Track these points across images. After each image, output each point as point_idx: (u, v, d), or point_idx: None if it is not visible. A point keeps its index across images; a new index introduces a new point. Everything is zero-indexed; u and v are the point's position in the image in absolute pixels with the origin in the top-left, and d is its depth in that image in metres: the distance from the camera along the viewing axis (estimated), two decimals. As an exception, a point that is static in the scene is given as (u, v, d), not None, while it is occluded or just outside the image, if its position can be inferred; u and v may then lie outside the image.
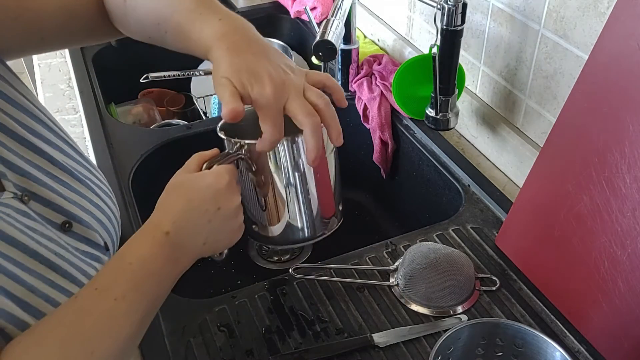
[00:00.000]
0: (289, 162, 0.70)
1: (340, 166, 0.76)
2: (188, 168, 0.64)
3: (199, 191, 0.62)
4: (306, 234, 0.76)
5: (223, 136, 0.70)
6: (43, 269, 0.57)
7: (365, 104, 1.18)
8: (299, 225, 0.75)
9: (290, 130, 0.64)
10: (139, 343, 0.60)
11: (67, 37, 0.75)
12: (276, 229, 0.75)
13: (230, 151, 0.68)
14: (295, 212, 0.74)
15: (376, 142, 1.18)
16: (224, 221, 0.63)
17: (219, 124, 0.71)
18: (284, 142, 0.68)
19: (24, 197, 0.59)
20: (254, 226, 0.75)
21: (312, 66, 1.47)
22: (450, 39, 0.92)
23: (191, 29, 0.65)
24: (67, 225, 0.63)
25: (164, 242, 0.59)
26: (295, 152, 0.69)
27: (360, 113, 1.20)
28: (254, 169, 0.69)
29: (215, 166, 0.64)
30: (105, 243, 0.67)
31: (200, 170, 0.64)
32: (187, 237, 0.61)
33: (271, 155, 0.69)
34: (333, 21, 0.93)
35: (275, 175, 0.70)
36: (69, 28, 0.73)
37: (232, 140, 0.68)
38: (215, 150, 0.67)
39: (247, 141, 0.67)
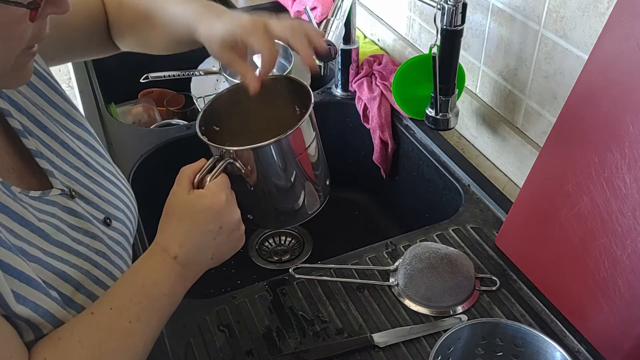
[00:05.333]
0: (276, 160, 0.73)
1: (324, 151, 0.80)
2: (181, 187, 0.65)
3: (199, 213, 0.63)
4: (296, 217, 0.80)
5: (207, 141, 0.71)
6: (89, 267, 0.61)
7: (365, 104, 1.18)
8: (289, 210, 0.79)
9: (273, 134, 0.69)
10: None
11: (87, 48, 0.82)
12: (269, 216, 0.79)
13: (216, 156, 0.69)
14: (284, 199, 0.78)
15: (376, 142, 1.18)
16: (228, 235, 0.65)
17: (197, 125, 0.73)
18: (271, 146, 0.70)
19: (72, 192, 0.63)
20: (248, 216, 0.76)
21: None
22: (450, 39, 0.92)
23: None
24: (108, 220, 0.67)
25: (173, 265, 0.62)
26: (279, 151, 0.72)
27: (360, 113, 1.20)
28: (243, 171, 0.71)
29: (207, 183, 0.65)
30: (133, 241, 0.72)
31: (193, 185, 0.65)
32: (195, 257, 0.63)
33: (257, 156, 0.71)
34: (333, 21, 0.93)
35: (263, 171, 0.73)
36: (92, 39, 0.80)
37: (220, 147, 0.69)
38: (202, 162, 0.68)
39: (233, 148, 0.69)
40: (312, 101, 0.74)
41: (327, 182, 0.83)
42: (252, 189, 0.71)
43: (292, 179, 0.76)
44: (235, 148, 0.69)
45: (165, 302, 0.62)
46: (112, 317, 0.58)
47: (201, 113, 0.74)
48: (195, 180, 0.65)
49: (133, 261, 0.72)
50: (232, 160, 0.69)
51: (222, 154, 0.69)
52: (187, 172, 0.66)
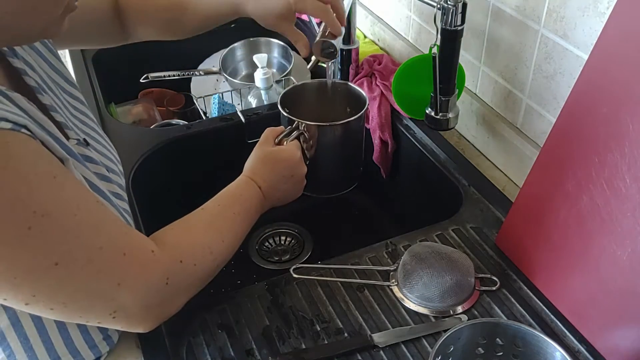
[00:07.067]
0: (331, 138, 0.94)
1: (365, 141, 1.04)
2: (267, 141, 0.86)
3: (281, 162, 0.83)
4: (334, 188, 1.02)
5: (288, 115, 0.92)
6: (107, 204, 0.66)
7: (365, 104, 1.18)
8: (330, 181, 1.01)
9: (332, 120, 0.92)
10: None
11: (90, 34, 0.94)
12: (314, 183, 0.94)
13: (291, 127, 0.90)
14: (330, 172, 0.99)
15: (376, 142, 1.18)
16: (294, 184, 0.85)
17: (280, 100, 0.95)
18: (329, 127, 0.93)
19: (86, 141, 0.70)
20: None
21: (312, 66, 1.47)
22: (450, 39, 0.92)
23: None
24: (109, 171, 0.74)
25: (258, 192, 0.80)
26: (333, 133, 0.94)
27: (360, 113, 1.20)
28: (308, 142, 0.91)
29: (285, 142, 0.87)
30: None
31: (274, 143, 0.86)
32: (270, 192, 0.82)
33: (320, 132, 0.92)
34: (333, 21, 0.93)
35: (319, 146, 0.93)
36: (97, 24, 0.92)
37: (297, 120, 0.90)
38: (281, 128, 0.89)
39: (306, 122, 0.90)
40: (367, 104, 0.96)
41: (361, 169, 1.04)
42: (307, 162, 0.89)
43: (339, 156, 0.97)
44: (307, 122, 0.90)
45: (252, 214, 0.78)
46: (219, 209, 0.75)
47: (281, 96, 0.96)
48: (277, 140, 0.87)
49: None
50: (303, 132, 0.90)
51: (297, 126, 0.90)
52: (271, 132, 0.87)
